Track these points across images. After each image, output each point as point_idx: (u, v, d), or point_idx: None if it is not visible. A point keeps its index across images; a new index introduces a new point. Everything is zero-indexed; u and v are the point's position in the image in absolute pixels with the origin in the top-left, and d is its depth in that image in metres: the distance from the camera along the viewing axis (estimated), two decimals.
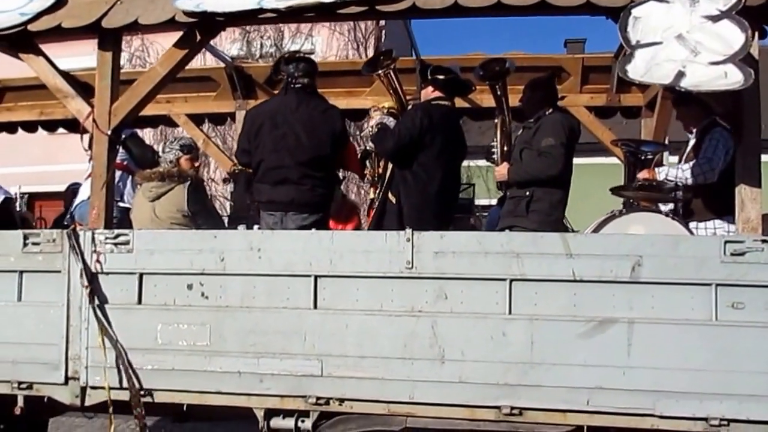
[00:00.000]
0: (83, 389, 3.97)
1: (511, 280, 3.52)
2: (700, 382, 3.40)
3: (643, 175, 4.37)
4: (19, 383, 4.03)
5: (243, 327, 3.75)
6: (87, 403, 3.99)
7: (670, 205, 4.59)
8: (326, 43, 13.31)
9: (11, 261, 4.09)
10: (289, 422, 3.73)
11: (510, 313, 3.52)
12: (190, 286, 3.85)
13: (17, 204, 5.82)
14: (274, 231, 4.30)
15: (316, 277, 3.69)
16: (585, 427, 3.49)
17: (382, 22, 13.21)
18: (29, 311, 4.03)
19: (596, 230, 4.11)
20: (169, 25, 4.05)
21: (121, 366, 3.83)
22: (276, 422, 3.75)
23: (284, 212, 4.49)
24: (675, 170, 4.41)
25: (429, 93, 4.70)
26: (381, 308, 3.62)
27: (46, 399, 4.05)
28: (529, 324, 3.50)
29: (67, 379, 3.98)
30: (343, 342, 3.64)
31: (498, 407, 3.50)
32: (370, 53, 12.75)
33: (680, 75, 3.22)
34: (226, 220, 5.97)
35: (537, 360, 3.48)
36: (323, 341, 3.66)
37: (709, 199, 4.35)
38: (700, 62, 3.28)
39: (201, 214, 4.58)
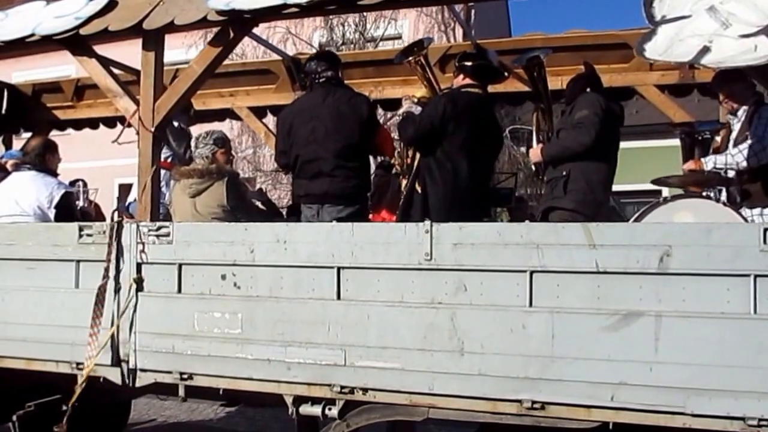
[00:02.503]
0: (132, 371, 4.12)
1: (532, 272, 3.32)
2: (735, 380, 3.10)
3: (688, 166, 4.05)
4: (77, 364, 4.23)
5: (271, 316, 3.76)
6: (137, 385, 4.14)
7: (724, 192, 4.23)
8: (413, 26, 13.16)
9: (69, 251, 4.29)
10: (317, 409, 3.72)
11: (531, 305, 3.33)
12: (223, 277, 3.90)
13: (82, 198, 6.11)
14: (298, 224, 4.28)
15: (339, 268, 3.63)
16: (611, 424, 3.31)
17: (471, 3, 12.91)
18: (85, 298, 4.19)
19: (639, 219, 3.86)
20: (203, 23, 4.12)
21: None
22: (305, 409, 3.74)
23: (320, 204, 4.46)
24: (723, 157, 4.05)
25: (460, 80, 4.52)
26: (402, 300, 3.53)
27: (102, 379, 4.26)
28: (550, 317, 3.30)
29: (118, 361, 4.15)
30: (365, 332, 3.57)
31: (519, 401, 3.33)
32: (459, 36, 12.52)
33: (704, 51, 2.93)
34: (284, 211, 6.05)
35: (558, 354, 3.28)
36: (346, 331, 3.60)
37: (766, 182, 3.97)
38: (729, 35, 2.97)
39: (240, 208, 4.64)
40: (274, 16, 4.13)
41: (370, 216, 5.87)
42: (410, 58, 5.04)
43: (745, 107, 4.20)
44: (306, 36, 12.82)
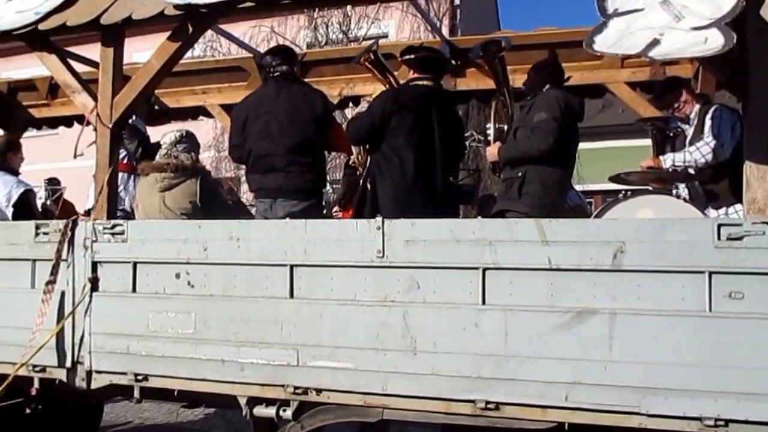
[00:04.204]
0: (89, 373, 4.02)
1: (485, 269, 3.23)
2: (691, 379, 3.00)
3: (646, 163, 3.97)
4: (34, 366, 4.12)
5: (225, 316, 3.66)
6: (92, 387, 4.03)
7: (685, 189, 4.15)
8: (398, 26, 13.08)
9: (25, 250, 4.19)
10: (271, 411, 3.61)
11: (483, 303, 3.23)
12: (177, 275, 3.80)
13: (45, 196, 6.03)
14: (251, 221, 4.20)
15: (291, 266, 3.53)
16: (566, 425, 3.22)
17: (456, 1, 12.86)
18: (41, 298, 4.13)
19: (600, 215, 3.77)
20: (160, 19, 4.02)
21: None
22: (259, 410, 3.64)
23: (273, 199, 4.36)
24: (682, 154, 3.97)
25: (410, 75, 4.45)
26: (354, 298, 3.43)
27: (57, 381, 4.17)
28: (503, 315, 3.20)
29: (74, 363, 4.05)
30: (317, 332, 3.47)
31: (473, 401, 3.23)
32: (445, 34, 12.42)
33: (654, 43, 2.83)
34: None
35: (512, 353, 3.19)
36: (299, 331, 3.50)
37: (730, 181, 3.88)
38: (681, 28, 2.88)
39: (212, 207, 4.55)
40: (230, 11, 4.04)
41: (340, 215, 5.79)
42: (360, 59, 4.96)
43: (696, 109, 4.13)
44: (290, 36, 12.75)
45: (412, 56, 4.42)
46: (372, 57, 4.90)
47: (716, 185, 4.02)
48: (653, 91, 4.47)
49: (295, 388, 3.53)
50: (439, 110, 4.25)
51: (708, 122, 3.94)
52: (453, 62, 4.59)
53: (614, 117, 12.85)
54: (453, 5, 13.14)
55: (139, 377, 3.88)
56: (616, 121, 12.69)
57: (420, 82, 4.36)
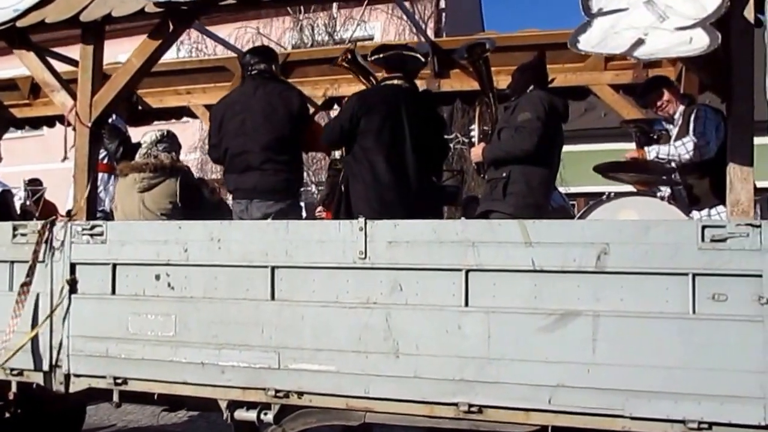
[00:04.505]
0: (67, 377, 3.93)
1: (468, 271, 3.18)
2: (674, 382, 2.97)
3: (631, 154, 3.93)
4: (11, 370, 4.03)
5: (205, 318, 3.58)
6: (71, 390, 3.95)
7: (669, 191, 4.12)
8: (384, 28, 13.03)
9: (3, 251, 4.09)
10: (252, 414, 3.54)
11: (466, 305, 3.18)
12: (157, 277, 3.72)
13: (23, 196, 5.91)
14: (232, 221, 4.12)
15: (273, 267, 3.47)
16: (549, 428, 3.16)
17: (442, 4, 12.83)
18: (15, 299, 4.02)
19: (583, 216, 3.73)
20: (141, 16, 3.95)
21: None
22: (240, 414, 3.56)
23: (249, 200, 4.28)
24: (667, 147, 3.93)
25: (383, 74, 4.38)
26: (336, 300, 3.37)
27: (35, 385, 4.07)
28: (486, 317, 3.15)
29: (51, 366, 3.96)
30: (299, 334, 3.40)
31: (456, 404, 3.18)
32: (430, 36, 12.37)
33: (638, 43, 2.79)
34: None
35: (495, 355, 3.14)
36: (280, 333, 3.44)
37: (714, 182, 3.85)
38: (665, 28, 2.85)
39: (194, 207, 4.46)
40: (211, 9, 3.97)
41: (324, 215, 5.72)
42: (337, 60, 4.90)
43: (680, 109, 4.10)
44: (275, 37, 12.68)
45: (380, 55, 4.34)
46: (349, 57, 4.83)
47: (698, 186, 3.99)
48: (636, 91, 4.43)
49: (277, 391, 3.46)
50: (410, 109, 4.14)
51: (693, 122, 3.91)
52: (423, 59, 4.41)
53: (597, 120, 12.87)
54: (438, 8, 13.10)
55: (119, 381, 3.80)
56: (598, 124, 12.72)
57: (390, 82, 4.29)
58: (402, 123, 4.08)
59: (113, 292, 3.82)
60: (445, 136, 5.09)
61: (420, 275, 3.27)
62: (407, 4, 11.53)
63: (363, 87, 5.03)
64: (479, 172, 4.47)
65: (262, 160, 4.26)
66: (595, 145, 11.64)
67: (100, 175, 5.07)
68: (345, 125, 4.20)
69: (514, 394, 3.13)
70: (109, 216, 4.94)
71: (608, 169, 4.06)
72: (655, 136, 4.28)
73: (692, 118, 3.92)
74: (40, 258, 3.95)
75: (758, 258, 2.93)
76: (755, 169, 3.09)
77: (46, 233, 3.94)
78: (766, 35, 3.00)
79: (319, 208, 5.94)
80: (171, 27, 4.01)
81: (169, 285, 3.70)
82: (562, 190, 5.98)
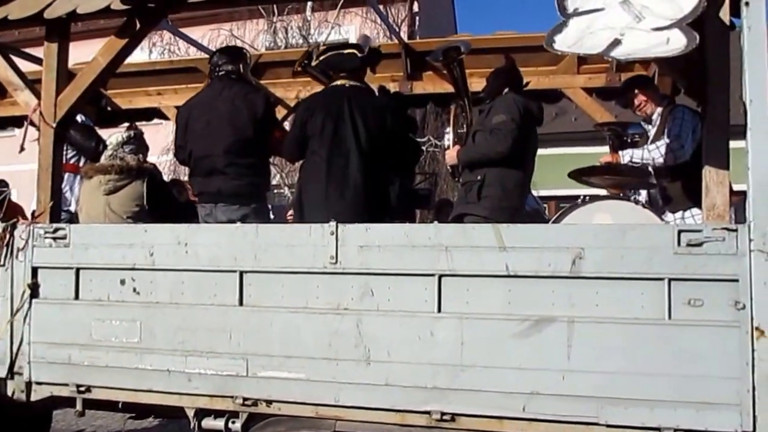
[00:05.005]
0: (28, 384, 3.75)
1: (441, 276, 3.07)
2: (650, 388, 2.89)
3: (605, 159, 3.85)
4: None
5: (171, 324, 3.44)
6: (32, 398, 3.77)
7: (644, 194, 4.04)
8: (359, 32, 12.90)
9: None
10: (220, 423, 3.40)
11: (439, 311, 3.07)
12: (122, 282, 3.57)
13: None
14: (200, 225, 3.98)
15: (241, 272, 3.34)
16: None
17: (416, 8, 12.76)
18: None
19: (557, 220, 3.64)
20: (106, 13, 3.80)
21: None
22: (207, 422, 3.43)
23: (214, 204, 4.14)
24: (641, 151, 3.86)
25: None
26: (306, 305, 3.25)
27: None
28: (459, 323, 3.05)
29: (12, 373, 3.78)
30: (268, 341, 3.28)
31: (428, 412, 3.07)
32: (404, 38, 12.27)
33: (615, 44, 2.71)
34: None
35: (468, 362, 3.03)
36: (248, 340, 3.31)
37: (688, 184, 3.78)
38: (642, 28, 2.76)
39: (161, 210, 4.30)
40: (180, 8, 3.83)
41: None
42: (296, 66, 4.78)
43: (659, 110, 4.03)
44: (249, 39, 12.50)
45: (320, 59, 4.23)
46: (306, 62, 4.69)
47: (672, 188, 3.93)
48: (618, 91, 4.35)
49: (245, 399, 3.33)
50: (354, 108, 3.97)
51: (670, 122, 3.84)
52: (360, 53, 4.22)
53: (568, 124, 12.86)
54: (412, 11, 13.02)
55: (82, 389, 3.64)
56: (569, 128, 12.71)
57: (335, 83, 4.16)
58: (345, 122, 3.94)
59: (76, 297, 3.67)
60: (417, 139, 4.95)
61: (392, 280, 3.16)
62: (381, 7, 11.46)
63: None
64: (454, 176, 4.35)
65: (226, 163, 4.12)
66: (566, 149, 11.61)
67: (66, 175, 4.90)
68: (296, 133, 4.10)
69: (488, 402, 3.03)
70: (74, 217, 4.75)
71: (583, 174, 3.97)
72: (629, 140, 4.20)
73: (669, 119, 3.85)
74: (1, 261, 3.77)
75: (734, 262, 2.86)
76: (731, 172, 3.01)
77: (7, 236, 3.76)
78: (743, 37, 2.95)
79: (290, 212, 5.78)
80: (138, 25, 3.86)
81: (134, 290, 3.56)
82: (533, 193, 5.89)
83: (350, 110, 3.96)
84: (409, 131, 4.57)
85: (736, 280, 2.84)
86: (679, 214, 3.85)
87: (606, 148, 4.61)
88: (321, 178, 3.94)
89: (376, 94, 4.40)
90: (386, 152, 4.01)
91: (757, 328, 2.81)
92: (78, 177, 5.04)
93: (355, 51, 4.24)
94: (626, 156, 3.90)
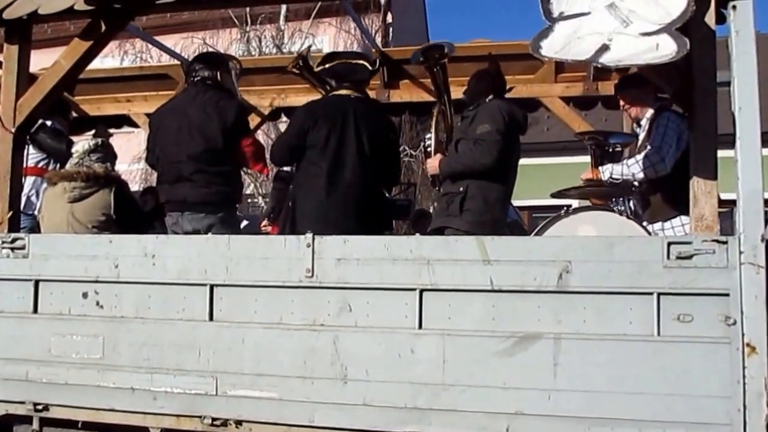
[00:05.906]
0: None
1: (422, 290, 2.88)
2: (638, 408, 2.72)
3: (585, 175, 3.70)
4: None
5: (137, 339, 3.20)
6: None
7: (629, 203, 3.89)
8: (333, 42, 12.73)
9: None
10: None
11: (420, 327, 2.88)
12: (85, 295, 3.31)
13: None
14: (168, 236, 3.75)
15: (212, 286, 3.11)
16: None
17: (389, 19, 12.63)
18: None
19: (540, 232, 3.47)
20: (70, 14, 3.55)
21: None
22: None
23: (180, 212, 3.93)
24: (620, 167, 3.71)
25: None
26: (280, 321, 3.03)
27: None
28: (441, 340, 2.85)
29: None
30: (239, 358, 3.05)
31: None
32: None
33: (603, 49, 2.55)
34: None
35: (450, 381, 2.84)
36: (218, 357, 3.08)
37: (670, 193, 3.63)
38: (629, 33, 2.61)
39: (128, 220, 4.05)
40: (146, 9, 3.60)
41: (269, 229, 5.35)
42: (289, 66, 4.58)
43: (648, 115, 3.88)
44: (222, 48, 12.23)
45: (326, 66, 4.03)
46: (301, 63, 4.50)
47: (652, 197, 3.78)
48: (618, 84, 4.20)
49: (213, 419, 3.10)
50: (359, 120, 3.82)
51: (654, 130, 3.70)
52: (371, 67, 4.08)
53: (540, 134, 12.84)
54: (385, 23, 12.88)
55: (39, 407, 3.37)
56: (542, 138, 12.68)
57: (339, 92, 3.97)
58: (349, 135, 3.77)
59: (35, 310, 3.41)
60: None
61: (371, 295, 2.96)
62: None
63: (312, 97, 4.70)
64: (434, 185, 4.16)
65: (193, 171, 3.91)
66: (539, 159, 11.55)
67: (32, 179, 4.68)
68: (293, 141, 3.89)
69: (470, 423, 2.84)
70: (34, 226, 4.48)
71: (565, 194, 3.82)
72: (611, 149, 4.06)
73: (654, 126, 3.70)
74: None
75: (725, 276, 2.71)
76: (719, 182, 2.87)
77: None
78: (730, 42, 2.82)
79: (264, 222, 5.54)
80: (104, 27, 3.62)
81: (97, 303, 3.31)
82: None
83: (356, 124, 3.79)
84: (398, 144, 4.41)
85: (727, 294, 2.70)
86: (658, 225, 3.71)
87: (579, 159, 4.47)
88: (320, 190, 3.74)
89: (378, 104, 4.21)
90: (382, 166, 3.87)
91: (748, 345, 2.67)
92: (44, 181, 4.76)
93: (365, 63, 4.06)
94: (606, 173, 3.75)
